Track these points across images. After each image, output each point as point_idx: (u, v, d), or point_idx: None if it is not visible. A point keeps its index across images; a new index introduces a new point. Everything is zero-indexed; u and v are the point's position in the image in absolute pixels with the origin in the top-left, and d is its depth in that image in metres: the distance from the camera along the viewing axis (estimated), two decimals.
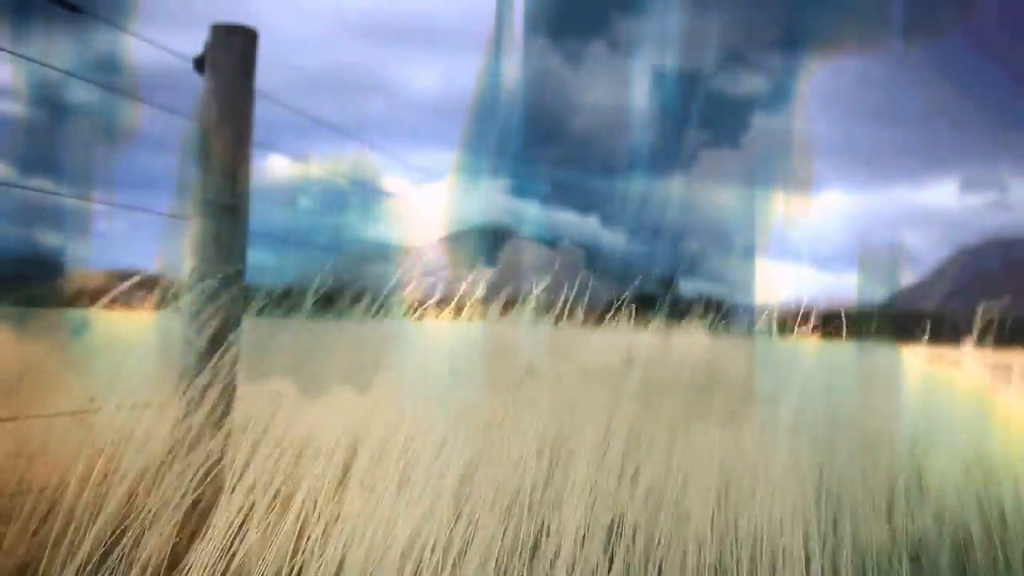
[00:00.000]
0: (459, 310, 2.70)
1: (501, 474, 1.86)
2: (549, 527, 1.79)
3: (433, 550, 1.70)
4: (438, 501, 1.77)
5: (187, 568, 1.65)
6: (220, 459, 1.91)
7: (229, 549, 1.68)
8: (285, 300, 2.48)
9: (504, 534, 1.75)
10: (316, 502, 1.77)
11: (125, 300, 2.14)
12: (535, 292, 2.87)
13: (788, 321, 2.95)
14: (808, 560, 1.85)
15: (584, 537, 1.78)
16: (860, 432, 2.33)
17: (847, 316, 2.74)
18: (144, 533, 1.71)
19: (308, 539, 1.71)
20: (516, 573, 1.72)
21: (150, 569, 1.67)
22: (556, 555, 1.74)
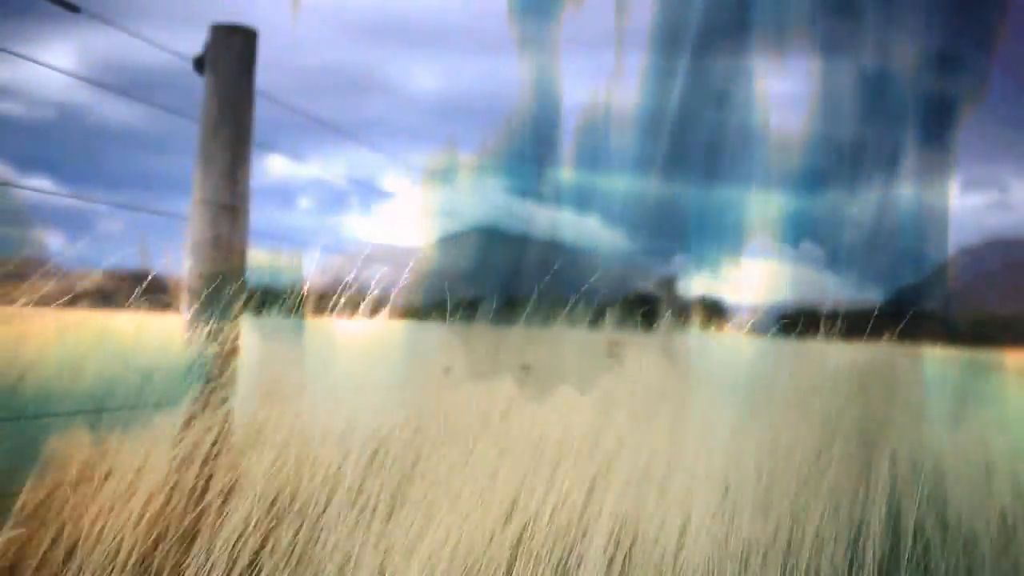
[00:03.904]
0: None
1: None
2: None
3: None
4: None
5: None
6: (213, 454, 1.91)
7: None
8: (284, 301, 2.48)
9: None
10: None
11: (125, 301, 2.14)
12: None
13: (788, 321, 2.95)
14: None
15: None
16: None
17: (847, 316, 2.74)
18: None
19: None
20: None
21: None
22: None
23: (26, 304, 2.14)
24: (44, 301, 2.17)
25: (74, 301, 2.18)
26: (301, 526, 1.75)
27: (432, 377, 2.35)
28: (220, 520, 1.75)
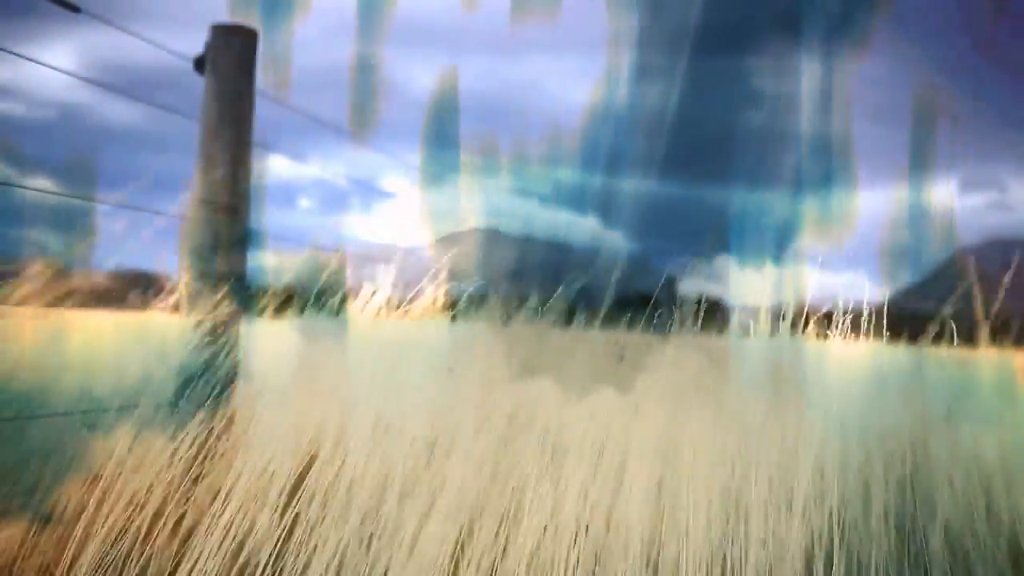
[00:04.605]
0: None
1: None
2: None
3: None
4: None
5: None
6: (213, 455, 1.91)
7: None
8: (285, 300, 2.48)
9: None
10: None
11: (124, 300, 2.14)
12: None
13: (790, 321, 2.95)
14: None
15: None
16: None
17: (847, 316, 2.74)
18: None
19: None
20: None
21: None
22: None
23: (26, 304, 2.14)
24: (44, 301, 2.17)
25: (74, 301, 2.18)
26: (294, 524, 1.75)
27: (437, 377, 2.35)
28: (215, 518, 1.75)
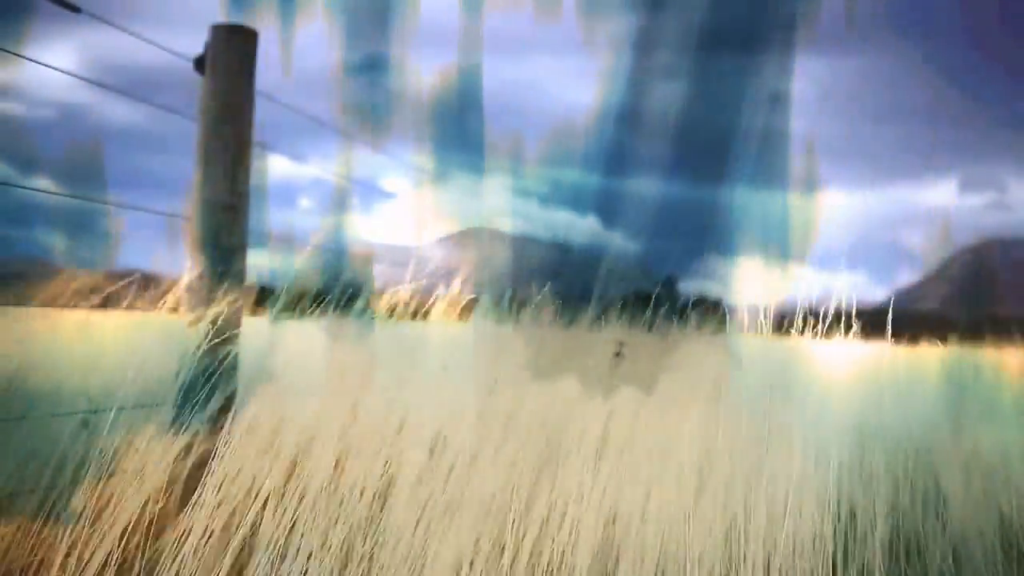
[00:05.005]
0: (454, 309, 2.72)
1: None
2: None
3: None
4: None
5: None
6: (213, 456, 1.91)
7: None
8: (286, 299, 2.49)
9: None
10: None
11: (124, 300, 2.14)
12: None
13: (789, 321, 2.95)
14: None
15: None
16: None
17: (847, 316, 2.74)
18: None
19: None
20: None
21: None
22: None
23: (26, 304, 2.15)
24: (44, 301, 2.17)
25: (74, 301, 2.18)
26: (296, 524, 1.75)
27: (437, 376, 2.36)
28: (218, 518, 1.75)
